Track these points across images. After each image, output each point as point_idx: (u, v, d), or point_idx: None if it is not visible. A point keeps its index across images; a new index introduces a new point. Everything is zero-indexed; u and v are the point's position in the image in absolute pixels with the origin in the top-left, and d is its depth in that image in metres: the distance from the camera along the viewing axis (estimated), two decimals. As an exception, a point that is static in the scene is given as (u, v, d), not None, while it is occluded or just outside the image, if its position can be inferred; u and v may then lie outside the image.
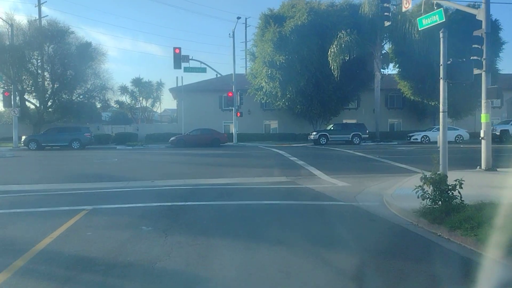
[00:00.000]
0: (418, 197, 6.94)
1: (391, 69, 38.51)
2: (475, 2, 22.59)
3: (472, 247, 5.41)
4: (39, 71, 36.96)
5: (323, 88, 33.20)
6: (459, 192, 6.81)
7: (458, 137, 31.80)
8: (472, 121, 37.26)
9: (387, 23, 18.84)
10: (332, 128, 32.41)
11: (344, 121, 37.03)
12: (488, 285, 4.23)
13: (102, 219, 7.10)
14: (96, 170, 15.64)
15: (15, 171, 15.96)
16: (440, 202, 6.83)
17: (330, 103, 34.65)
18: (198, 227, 6.54)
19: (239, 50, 55.96)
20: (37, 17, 38.03)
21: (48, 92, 36.71)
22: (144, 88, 55.39)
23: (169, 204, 8.38)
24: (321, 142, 30.57)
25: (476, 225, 5.78)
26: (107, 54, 47.71)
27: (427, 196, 6.91)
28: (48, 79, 37.27)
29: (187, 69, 31.44)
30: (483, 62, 12.94)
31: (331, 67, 31.23)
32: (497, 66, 32.12)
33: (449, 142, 30.25)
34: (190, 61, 30.84)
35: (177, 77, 71.75)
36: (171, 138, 31.19)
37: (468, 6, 18.48)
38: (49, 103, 37.07)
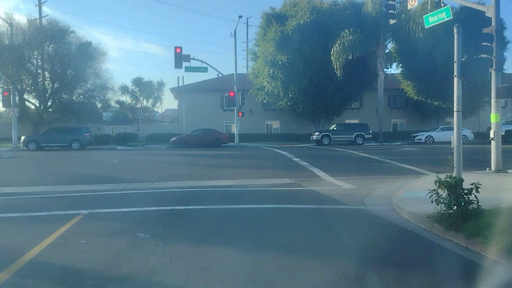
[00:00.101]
0: (432, 202, 6.54)
1: (394, 69, 38.19)
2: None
3: (494, 257, 5.01)
4: (39, 71, 36.60)
5: (326, 88, 32.78)
6: (475, 196, 6.42)
7: (463, 137, 31.36)
8: (475, 121, 36.85)
9: (392, 21, 18.46)
10: (334, 128, 32.04)
11: (347, 121, 36.60)
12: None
13: (98, 225, 6.71)
14: (95, 171, 15.28)
15: (11, 172, 15.58)
16: (455, 207, 6.45)
17: (333, 103, 34.24)
18: (198, 234, 6.15)
19: (241, 50, 55.80)
20: (38, 16, 37.77)
21: (48, 92, 36.33)
22: (144, 88, 55.06)
23: (169, 208, 7.99)
24: (324, 142, 30.21)
25: (497, 233, 5.39)
26: (107, 54, 47.47)
27: (442, 200, 6.51)
28: (48, 79, 36.89)
29: (188, 69, 31.07)
30: (493, 60, 12.54)
31: (333, 66, 30.82)
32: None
33: (454, 143, 29.80)
34: (192, 60, 30.50)
35: (178, 77, 71.43)
36: (172, 139, 30.84)
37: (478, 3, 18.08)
38: (49, 103, 36.70)
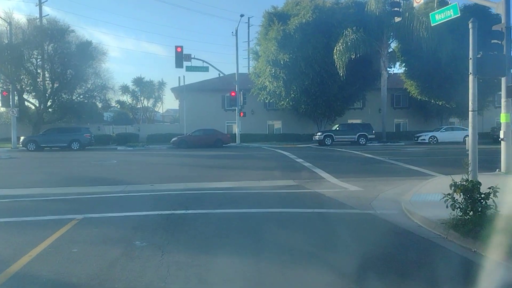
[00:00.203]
0: (447, 207, 6.16)
1: (397, 68, 37.77)
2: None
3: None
4: (39, 70, 36.27)
5: (328, 88, 32.36)
6: (493, 201, 6.04)
7: (467, 137, 30.98)
8: (479, 120, 36.28)
9: (397, 19, 18.06)
10: (337, 128, 31.66)
11: (350, 121, 36.20)
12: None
13: (93, 231, 6.33)
14: (94, 172, 14.90)
15: (8, 173, 15.19)
16: (471, 213, 6.07)
17: (335, 103, 33.81)
18: (199, 242, 5.77)
19: (242, 50, 55.04)
20: (38, 16, 37.46)
21: (48, 92, 35.97)
22: (145, 87, 54.70)
23: (168, 213, 7.62)
24: (326, 142, 29.84)
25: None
26: (108, 53, 47.15)
27: (458, 205, 6.13)
28: (47, 79, 36.54)
29: (189, 68, 30.67)
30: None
31: (336, 65, 30.37)
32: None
33: (458, 143, 29.28)
34: (193, 60, 30.07)
35: (179, 77, 71.35)
36: (173, 139, 30.48)
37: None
38: (49, 103, 36.37)
